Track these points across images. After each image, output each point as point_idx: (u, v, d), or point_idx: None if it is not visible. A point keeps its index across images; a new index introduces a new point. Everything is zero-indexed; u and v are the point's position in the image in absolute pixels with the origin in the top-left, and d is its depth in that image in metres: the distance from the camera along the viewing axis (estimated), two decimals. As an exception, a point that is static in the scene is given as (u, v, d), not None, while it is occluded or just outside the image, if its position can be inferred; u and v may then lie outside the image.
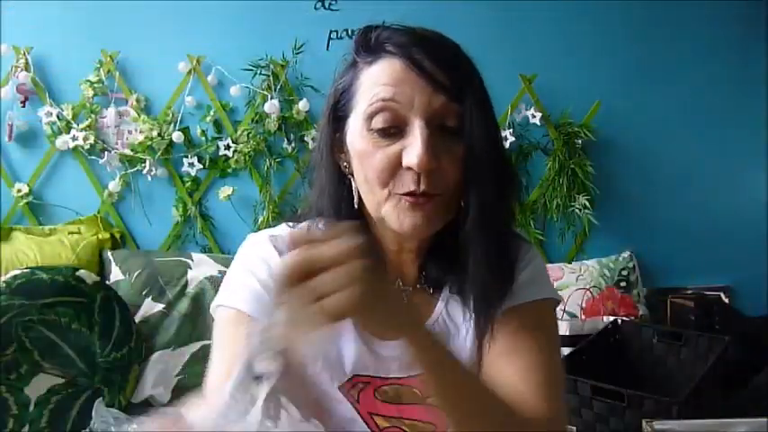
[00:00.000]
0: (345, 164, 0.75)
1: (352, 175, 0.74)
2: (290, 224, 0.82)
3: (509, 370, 0.73)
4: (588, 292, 2.14)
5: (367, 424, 0.73)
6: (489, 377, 0.74)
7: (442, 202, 0.70)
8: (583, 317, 2.08)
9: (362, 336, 0.76)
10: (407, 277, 0.80)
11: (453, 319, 0.78)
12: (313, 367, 0.74)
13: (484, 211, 0.70)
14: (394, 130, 0.68)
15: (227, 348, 0.72)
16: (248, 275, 0.75)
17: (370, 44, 0.72)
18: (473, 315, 0.75)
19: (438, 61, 0.68)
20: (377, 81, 0.69)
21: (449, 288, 0.79)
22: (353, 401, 0.74)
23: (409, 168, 0.67)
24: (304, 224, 0.81)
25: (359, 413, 0.74)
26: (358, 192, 0.74)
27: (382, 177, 0.68)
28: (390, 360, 0.76)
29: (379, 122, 0.68)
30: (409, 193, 0.68)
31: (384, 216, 0.71)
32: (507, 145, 2.21)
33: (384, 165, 0.68)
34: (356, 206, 0.74)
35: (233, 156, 2.19)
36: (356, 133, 0.71)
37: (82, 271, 1.80)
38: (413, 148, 0.66)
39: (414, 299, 0.79)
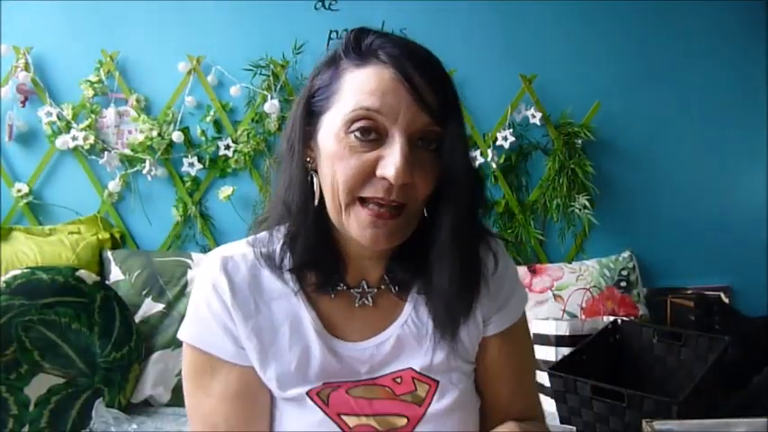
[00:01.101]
0: (310, 159, 0.74)
1: (316, 172, 0.73)
2: (250, 238, 0.80)
3: (509, 387, 0.83)
4: (588, 292, 2.14)
5: (338, 425, 0.73)
6: (490, 387, 0.82)
7: (407, 216, 0.71)
8: (583, 317, 2.08)
9: (327, 342, 0.76)
10: (371, 278, 0.80)
11: (421, 319, 0.79)
12: (286, 375, 0.75)
13: (456, 232, 0.72)
14: (372, 138, 0.68)
15: (204, 403, 0.75)
16: (204, 307, 0.75)
17: (360, 47, 0.70)
18: (437, 326, 0.77)
19: (429, 79, 0.68)
20: (363, 87, 0.67)
21: (416, 289, 0.80)
22: (323, 405, 0.74)
23: (383, 178, 0.67)
24: (264, 234, 0.79)
25: (328, 416, 0.73)
26: (320, 189, 0.73)
27: (352, 183, 0.68)
28: (359, 363, 0.77)
29: (359, 129, 0.67)
30: (376, 204, 0.68)
31: (345, 224, 0.71)
32: (507, 145, 2.22)
33: (357, 171, 0.68)
34: (317, 203, 0.74)
35: (233, 156, 2.19)
36: (331, 134, 0.69)
37: (82, 271, 1.80)
38: (390, 161, 0.66)
39: (379, 300, 0.80)
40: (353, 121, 0.67)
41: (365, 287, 0.79)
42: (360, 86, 0.68)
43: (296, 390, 0.74)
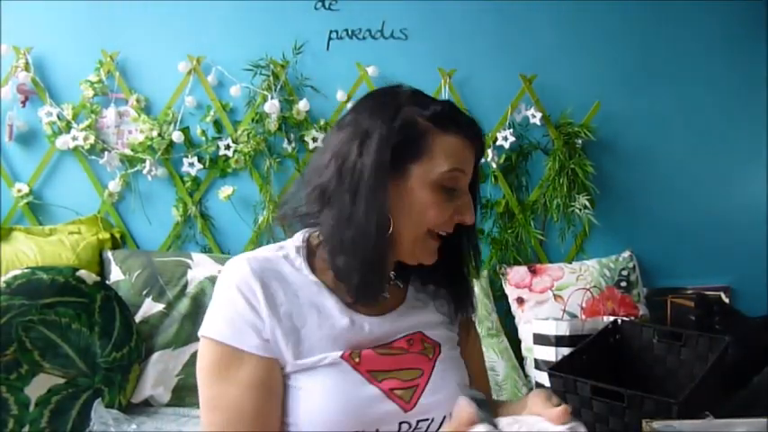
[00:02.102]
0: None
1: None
2: (272, 245, 0.93)
3: (480, 367, 1.09)
4: (588, 292, 2.14)
5: (369, 382, 0.85)
6: (469, 365, 1.01)
7: None
8: (583, 317, 2.09)
9: (351, 317, 0.89)
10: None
11: (421, 300, 1.00)
12: (319, 349, 0.85)
13: (475, 249, 0.99)
14: (455, 189, 0.89)
15: (230, 392, 0.82)
16: (229, 307, 0.84)
17: (446, 117, 0.89)
18: (455, 316, 1.01)
19: (481, 144, 0.95)
20: (455, 154, 0.88)
21: (418, 281, 1.01)
22: (355, 365, 0.85)
23: (458, 221, 0.90)
24: (298, 235, 0.93)
25: (360, 374, 0.85)
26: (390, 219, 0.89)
27: (437, 222, 0.88)
28: (379, 330, 0.91)
29: (452, 184, 0.88)
30: (439, 234, 0.90)
31: (414, 249, 0.90)
32: (507, 145, 2.22)
33: (446, 216, 0.89)
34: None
35: (233, 156, 2.19)
36: (424, 183, 0.87)
37: (82, 271, 1.80)
38: (466, 209, 0.90)
39: (389, 290, 0.97)
40: (449, 178, 0.88)
41: None
42: (453, 152, 0.88)
43: (331, 354, 0.85)
